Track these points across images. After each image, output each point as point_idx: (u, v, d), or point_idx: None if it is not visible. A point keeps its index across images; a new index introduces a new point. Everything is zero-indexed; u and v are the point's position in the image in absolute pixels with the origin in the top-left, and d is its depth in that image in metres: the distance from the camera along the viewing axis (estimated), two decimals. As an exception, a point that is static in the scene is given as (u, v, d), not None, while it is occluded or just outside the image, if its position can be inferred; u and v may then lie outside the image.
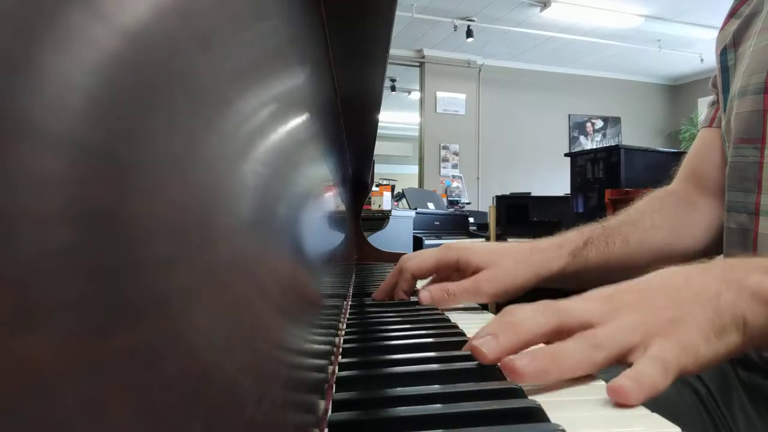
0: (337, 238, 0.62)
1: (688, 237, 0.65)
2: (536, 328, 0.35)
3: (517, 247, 0.60)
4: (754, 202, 0.55)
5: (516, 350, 0.35)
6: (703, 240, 0.65)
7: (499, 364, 0.34)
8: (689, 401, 0.54)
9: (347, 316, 0.56)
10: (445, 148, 6.43)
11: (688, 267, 0.40)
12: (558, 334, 0.35)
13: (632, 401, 0.30)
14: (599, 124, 7.25)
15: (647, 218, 0.65)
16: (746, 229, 0.57)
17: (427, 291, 0.56)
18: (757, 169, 0.55)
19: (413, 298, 0.63)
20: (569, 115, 7.10)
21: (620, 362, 0.34)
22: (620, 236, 0.62)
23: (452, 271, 0.60)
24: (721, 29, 0.65)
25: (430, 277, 0.64)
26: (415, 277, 0.61)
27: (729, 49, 0.63)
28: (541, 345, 0.35)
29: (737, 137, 0.58)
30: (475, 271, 0.57)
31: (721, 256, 0.62)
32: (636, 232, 0.63)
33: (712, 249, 0.65)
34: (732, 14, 0.65)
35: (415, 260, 0.61)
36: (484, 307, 0.63)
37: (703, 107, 7.10)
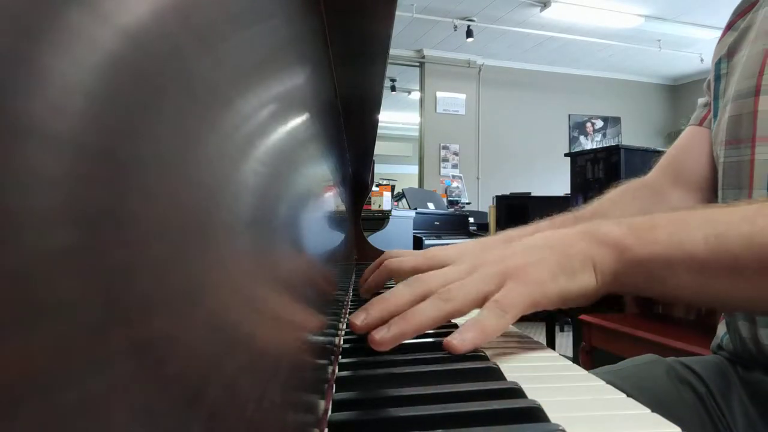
0: (337, 238, 0.62)
1: None
2: (403, 297, 0.41)
3: (491, 242, 0.64)
4: (747, 197, 0.59)
5: (385, 319, 0.40)
6: None
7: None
8: (688, 401, 0.55)
9: (347, 316, 0.56)
10: (445, 148, 6.43)
11: (560, 229, 0.45)
12: (424, 300, 0.40)
13: (458, 350, 0.37)
14: (599, 124, 7.25)
15: (617, 210, 0.69)
16: None
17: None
18: (748, 168, 0.59)
19: None
20: (569, 115, 7.10)
21: (480, 307, 0.40)
22: None
23: None
24: (719, 41, 0.70)
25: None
26: (391, 278, 0.64)
27: (723, 60, 0.68)
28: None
29: (729, 138, 0.61)
30: None
31: None
32: None
33: None
34: (729, 27, 0.69)
35: (395, 261, 0.63)
36: None
37: (703, 107, 7.11)
